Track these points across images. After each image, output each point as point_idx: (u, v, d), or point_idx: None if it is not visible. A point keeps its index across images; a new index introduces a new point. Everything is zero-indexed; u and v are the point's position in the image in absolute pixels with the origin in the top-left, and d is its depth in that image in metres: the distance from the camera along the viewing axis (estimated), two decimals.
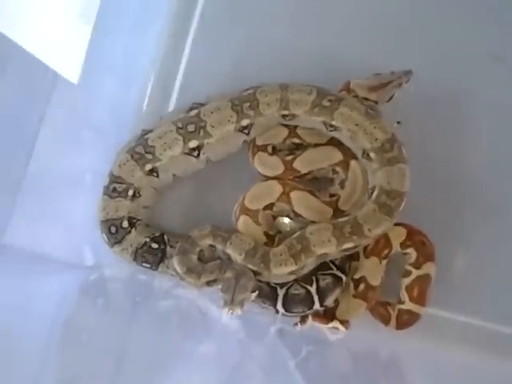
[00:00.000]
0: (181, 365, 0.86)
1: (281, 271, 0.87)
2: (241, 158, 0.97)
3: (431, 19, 1.02)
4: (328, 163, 0.93)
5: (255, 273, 0.88)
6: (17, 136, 0.97)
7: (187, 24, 1.03)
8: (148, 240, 0.93)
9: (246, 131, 0.93)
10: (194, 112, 0.92)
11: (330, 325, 0.92)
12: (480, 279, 0.99)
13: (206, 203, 1.00)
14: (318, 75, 0.98)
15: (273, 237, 0.94)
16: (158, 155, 0.92)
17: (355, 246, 0.88)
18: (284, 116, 0.92)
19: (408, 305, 0.94)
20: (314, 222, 0.90)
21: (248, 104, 0.91)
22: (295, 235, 0.89)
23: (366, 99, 0.93)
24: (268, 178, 0.95)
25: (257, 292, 0.86)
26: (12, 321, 0.81)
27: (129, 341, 0.88)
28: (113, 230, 0.93)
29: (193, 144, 0.91)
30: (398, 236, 0.93)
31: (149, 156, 0.92)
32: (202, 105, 0.93)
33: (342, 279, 0.92)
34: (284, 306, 0.90)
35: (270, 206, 0.93)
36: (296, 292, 0.90)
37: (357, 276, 0.93)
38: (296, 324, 0.91)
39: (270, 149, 0.95)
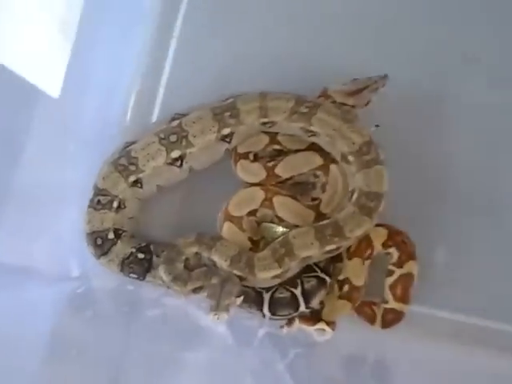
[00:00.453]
0: (172, 372, 0.86)
1: (266, 275, 0.89)
2: (223, 166, 0.98)
3: (405, 22, 1.05)
4: (308, 168, 0.95)
5: (241, 278, 0.89)
6: (1, 151, 0.98)
7: (168, 37, 1.05)
8: (134, 250, 0.94)
9: (228, 140, 0.94)
10: (175, 122, 0.94)
11: (317, 326, 0.93)
12: (461, 275, 1.01)
13: (191, 212, 1.01)
14: (297, 83, 1.00)
15: (257, 242, 0.95)
16: (142, 166, 0.93)
17: (337, 248, 0.90)
18: (264, 123, 0.94)
19: (392, 304, 0.96)
20: (296, 226, 0.92)
21: (229, 113, 0.92)
22: (278, 240, 0.91)
23: (344, 104, 0.95)
24: (251, 185, 0.96)
25: (242, 297, 0.87)
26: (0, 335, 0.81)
27: (119, 351, 0.88)
28: (99, 241, 0.94)
29: (175, 154, 0.93)
30: (379, 237, 0.95)
31: (132, 167, 0.93)
32: (184, 115, 0.94)
33: (326, 281, 0.94)
34: (270, 309, 0.92)
35: (253, 212, 0.94)
36: (281, 295, 0.92)
37: (341, 277, 0.95)
38: (282, 326, 0.93)
39: (251, 156, 0.97)
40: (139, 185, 0.95)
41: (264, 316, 0.92)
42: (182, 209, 1.02)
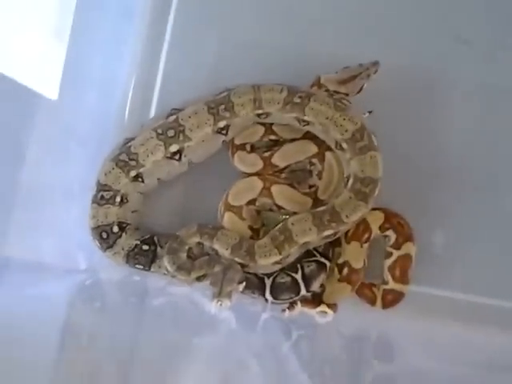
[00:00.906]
0: (179, 357, 0.89)
1: (266, 262, 0.91)
2: (222, 157, 1.01)
3: (396, 7, 1.05)
4: (304, 156, 0.97)
5: (242, 265, 0.92)
6: (6, 153, 1.00)
7: (161, 34, 1.06)
8: (139, 242, 0.97)
9: (224, 132, 0.96)
10: (172, 118, 0.95)
11: (318, 309, 0.96)
12: (459, 254, 1.03)
13: (192, 203, 1.04)
14: (290, 72, 1.02)
15: (257, 230, 0.98)
16: (142, 161, 0.96)
17: (335, 233, 0.92)
18: (259, 115, 0.95)
19: (392, 284, 0.99)
20: (295, 213, 0.95)
21: (223, 106, 0.94)
22: (278, 227, 0.93)
23: (337, 92, 0.97)
24: (249, 175, 0.99)
25: (244, 283, 0.90)
26: (13, 328, 0.83)
27: (128, 339, 0.91)
28: (104, 235, 0.97)
29: (173, 148, 0.95)
30: (376, 220, 0.98)
31: (132, 163, 0.96)
32: (180, 110, 0.96)
33: (325, 265, 0.96)
34: (272, 294, 0.95)
35: (252, 202, 0.97)
36: (282, 280, 0.95)
37: (340, 261, 0.98)
38: (284, 310, 0.96)
39: (248, 147, 0.99)
40: (140, 179, 0.97)
41: (266, 301, 0.95)
42: (184, 201, 1.04)
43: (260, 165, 0.98)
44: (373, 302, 1.00)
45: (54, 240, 1.01)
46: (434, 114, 1.05)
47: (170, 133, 0.95)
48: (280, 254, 0.91)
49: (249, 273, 0.94)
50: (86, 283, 1.01)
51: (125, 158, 0.96)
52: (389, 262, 1.00)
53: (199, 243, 0.95)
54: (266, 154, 0.98)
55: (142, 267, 0.97)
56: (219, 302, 0.86)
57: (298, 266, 0.95)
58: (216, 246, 0.93)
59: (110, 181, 0.96)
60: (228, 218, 0.97)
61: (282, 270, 0.95)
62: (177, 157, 0.96)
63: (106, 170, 0.97)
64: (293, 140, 0.99)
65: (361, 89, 0.98)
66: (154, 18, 1.08)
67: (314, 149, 0.97)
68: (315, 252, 0.97)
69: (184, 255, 0.94)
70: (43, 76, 0.96)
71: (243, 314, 0.97)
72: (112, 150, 0.99)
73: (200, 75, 1.06)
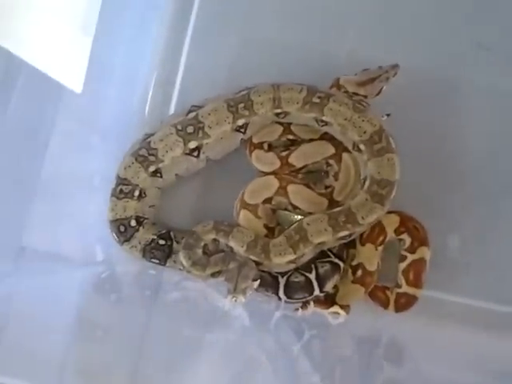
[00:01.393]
0: (191, 352, 0.90)
1: (281, 260, 0.92)
2: (239, 155, 1.01)
3: (417, 11, 1.05)
4: (321, 157, 0.98)
5: (257, 263, 0.93)
6: (29, 144, 1.01)
7: (183, 31, 1.08)
8: (155, 237, 0.98)
9: (243, 130, 0.97)
10: (192, 114, 0.97)
11: (331, 309, 0.96)
12: (474, 260, 1.02)
13: (208, 200, 1.05)
14: (309, 72, 1.02)
15: (273, 229, 0.98)
16: (161, 157, 0.97)
17: (350, 234, 0.92)
18: (277, 114, 0.96)
19: (405, 288, 0.98)
20: (310, 213, 0.95)
21: (243, 104, 0.95)
22: (293, 226, 0.94)
23: (356, 94, 0.97)
24: (265, 174, 0.99)
25: (259, 280, 0.91)
26: (29, 317, 0.85)
27: (142, 332, 0.92)
28: (122, 229, 0.98)
29: (192, 145, 0.96)
30: (391, 223, 0.98)
31: (152, 158, 0.97)
32: (200, 107, 0.97)
33: (339, 266, 0.97)
34: (286, 293, 0.95)
35: (268, 200, 0.97)
36: (296, 280, 0.95)
37: (354, 262, 0.98)
38: (297, 309, 0.96)
39: (266, 146, 1.00)
40: (159, 174, 0.98)
41: (280, 299, 0.96)
42: (200, 197, 1.05)
43: (277, 164, 0.99)
44: (385, 305, 1.00)
45: (72, 231, 1.03)
46: (451, 119, 1.04)
47: (190, 129, 0.96)
48: (295, 253, 0.92)
49: (263, 271, 0.95)
50: (102, 275, 1.03)
51: (144, 153, 0.97)
52: (403, 265, 0.99)
53: (215, 240, 0.96)
54: (284, 154, 0.99)
55: (157, 261, 0.98)
56: (234, 298, 0.86)
57: (313, 266, 0.96)
58: (231, 243, 0.94)
59: (130, 175, 0.98)
60: (243, 216, 0.97)
61: (296, 269, 0.96)
62: (195, 153, 0.97)
63: (125, 165, 0.98)
64: (310, 140, 0.99)
65: (380, 91, 0.98)
66: (176, 15, 1.09)
67: (331, 150, 0.98)
68: (329, 253, 0.97)
69: (200, 251, 0.95)
70: (68, 69, 0.98)
71: (256, 311, 0.98)
72: (132, 145, 1.00)
73: (220, 73, 1.07)
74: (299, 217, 0.97)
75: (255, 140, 1.00)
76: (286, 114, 0.96)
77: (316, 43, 1.06)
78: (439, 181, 1.03)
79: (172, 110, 1.07)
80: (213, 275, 0.93)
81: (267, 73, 1.02)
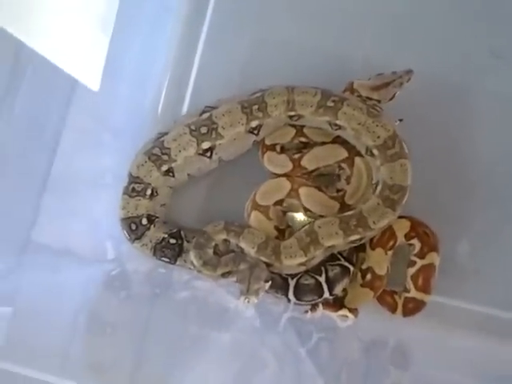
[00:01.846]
0: (199, 352, 0.90)
1: (291, 262, 0.92)
2: (251, 157, 1.02)
3: (431, 17, 1.06)
4: (334, 160, 0.98)
5: (267, 264, 0.93)
6: (40, 139, 1.02)
7: (197, 32, 1.08)
8: (166, 236, 0.99)
9: (256, 132, 0.98)
10: (206, 115, 0.97)
11: (340, 313, 0.97)
12: (483, 267, 1.02)
13: (220, 200, 1.05)
14: (323, 75, 1.02)
15: (283, 231, 0.99)
16: (174, 156, 0.97)
17: (361, 238, 0.93)
18: (291, 117, 0.97)
19: (413, 293, 0.99)
20: (322, 216, 0.96)
21: (257, 106, 0.95)
22: (304, 229, 0.94)
23: (369, 98, 0.97)
24: (277, 176, 1.00)
25: (270, 282, 0.91)
26: (38, 313, 0.85)
27: (151, 329, 0.93)
28: (133, 227, 0.98)
29: (205, 145, 0.97)
30: (402, 228, 0.98)
31: (165, 157, 0.97)
32: (214, 108, 0.97)
33: (349, 269, 0.97)
34: (295, 295, 0.95)
35: (279, 202, 0.98)
36: (306, 282, 0.96)
37: (364, 266, 0.98)
38: (306, 311, 0.96)
39: (278, 148, 1.00)
40: (171, 174, 0.99)
41: (289, 301, 0.96)
42: (211, 197, 1.06)
43: (289, 166, 0.99)
44: (393, 310, 1.00)
45: (83, 228, 1.03)
46: (463, 126, 1.05)
47: (203, 130, 0.96)
48: (305, 255, 0.92)
49: (273, 272, 0.95)
50: (112, 273, 1.03)
51: (157, 152, 0.98)
52: (412, 270, 1.00)
53: (225, 240, 0.96)
54: (296, 156, 0.99)
55: (167, 260, 0.99)
56: (246, 299, 0.87)
57: (323, 268, 0.96)
58: (242, 244, 0.94)
59: (142, 174, 0.98)
60: (254, 217, 0.98)
61: (306, 271, 0.96)
62: (208, 154, 0.98)
63: (138, 163, 0.98)
64: (323, 143, 1.00)
65: (393, 96, 0.99)
66: (191, 15, 1.10)
67: (343, 153, 0.98)
68: (339, 256, 0.98)
69: (210, 251, 0.95)
70: (83, 66, 0.98)
71: (265, 312, 0.98)
72: (145, 144, 1.00)
73: (233, 74, 1.07)
74: (309, 219, 0.97)
75: (268, 142, 1.00)
76: (300, 116, 0.96)
77: (330, 47, 1.06)
78: (450, 186, 1.03)
79: (185, 110, 1.08)
80: (223, 275, 0.93)
81: (281, 75, 1.03)
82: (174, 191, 1.03)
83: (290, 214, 1.00)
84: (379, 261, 0.98)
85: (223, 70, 1.08)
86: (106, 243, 1.05)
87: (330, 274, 0.96)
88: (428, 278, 0.99)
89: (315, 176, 0.99)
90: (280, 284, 0.96)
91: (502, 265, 1.03)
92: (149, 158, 0.98)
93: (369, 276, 0.97)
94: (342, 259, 0.97)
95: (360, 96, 0.98)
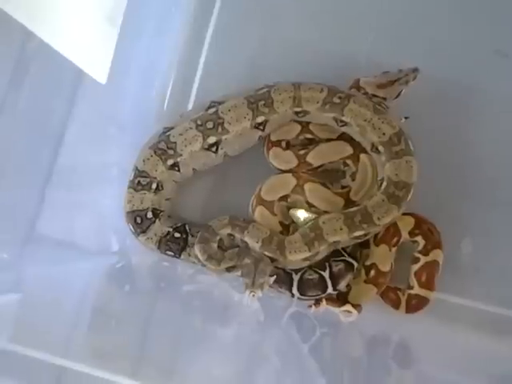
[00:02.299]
0: (202, 345, 0.91)
1: (295, 257, 0.93)
2: (257, 152, 1.02)
3: (437, 15, 1.06)
4: (339, 157, 0.98)
5: (271, 259, 0.93)
6: (46, 132, 1.01)
7: (204, 27, 1.09)
8: (171, 230, 0.99)
9: (262, 127, 0.98)
10: (212, 110, 0.97)
11: (343, 308, 0.97)
12: (486, 264, 1.03)
13: (225, 195, 1.05)
14: (329, 72, 1.02)
15: (287, 226, 0.99)
16: (179, 151, 0.98)
17: (365, 234, 0.93)
18: (297, 113, 0.97)
19: (417, 290, 0.99)
20: (326, 212, 0.96)
21: (263, 102, 0.96)
22: (309, 224, 0.94)
23: (375, 96, 0.97)
24: (282, 172, 1.00)
25: (275, 276, 0.92)
26: (42, 305, 0.86)
27: (154, 322, 0.93)
28: (138, 220, 0.99)
29: (211, 140, 0.97)
30: (406, 225, 0.98)
31: (170, 152, 0.98)
32: (220, 103, 0.98)
33: (353, 265, 0.97)
34: (299, 290, 0.96)
35: (284, 198, 0.98)
36: (310, 277, 0.96)
37: (368, 263, 0.98)
38: (310, 306, 0.97)
39: (284, 144, 1.01)
40: (177, 168, 0.99)
41: (293, 296, 0.97)
42: (216, 192, 1.06)
43: (294, 162, 0.99)
44: (397, 306, 1.00)
45: (88, 221, 1.03)
46: (468, 124, 1.05)
47: (209, 125, 0.97)
48: (309, 251, 0.92)
49: (277, 267, 0.95)
50: (117, 266, 1.04)
51: (163, 147, 0.98)
52: (415, 267, 1.00)
53: (230, 235, 0.97)
54: (301, 152, 0.99)
55: (172, 254, 0.99)
56: (252, 293, 0.87)
57: (327, 264, 0.97)
58: (247, 239, 0.95)
59: (148, 168, 0.98)
60: (259, 212, 0.98)
61: (310, 266, 0.96)
62: (214, 149, 0.98)
63: (144, 157, 0.99)
64: (328, 140, 1.00)
65: (399, 94, 0.99)
66: (199, 11, 1.10)
67: (349, 150, 0.98)
68: (343, 252, 0.98)
69: (215, 245, 0.96)
70: (91, 61, 0.98)
71: (268, 306, 0.98)
72: (151, 138, 1.01)
73: (239, 70, 1.08)
74: (314, 215, 0.97)
75: (273, 138, 1.01)
76: (306, 113, 0.96)
77: (336, 44, 1.07)
78: (455, 185, 1.03)
79: (191, 105, 1.08)
80: (227, 270, 0.94)
81: (286, 71, 1.03)
82: (180, 186, 1.03)
83: (294, 209, 1.00)
84: (383, 257, 0.98)
85: (229, 66, 1.09)
86: (111, 236, 1.05)
87: (334, 269, 0.96)
88: (431, 274, 0.99)
89: (320, 172, 1.00)
90: (284, 279, 0.96)
91: (503, 264, 1.03)
92: (155, 152, 0.98)
93: (373, 272, 0.97)
94: (346, 255, 0.98)
95: (366, 93, 0.98)
